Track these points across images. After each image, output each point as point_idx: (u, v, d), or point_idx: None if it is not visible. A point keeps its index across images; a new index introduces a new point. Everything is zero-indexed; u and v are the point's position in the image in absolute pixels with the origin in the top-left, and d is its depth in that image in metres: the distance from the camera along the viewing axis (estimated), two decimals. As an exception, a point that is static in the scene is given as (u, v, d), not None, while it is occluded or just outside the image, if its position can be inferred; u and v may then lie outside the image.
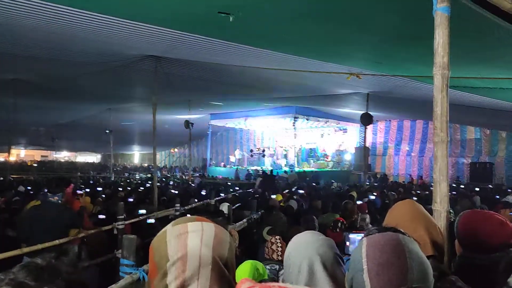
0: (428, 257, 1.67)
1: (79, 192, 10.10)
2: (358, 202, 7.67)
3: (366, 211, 6.93)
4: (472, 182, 19.67)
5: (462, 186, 17.48)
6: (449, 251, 2.13)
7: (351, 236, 1.88)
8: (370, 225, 6.55)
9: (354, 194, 9.36)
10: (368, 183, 17.40)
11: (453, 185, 17.68)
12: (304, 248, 1.47)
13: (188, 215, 1.18)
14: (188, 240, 1.06)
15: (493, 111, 13.23)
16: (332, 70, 8.99)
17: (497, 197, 11.56)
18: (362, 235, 1.68)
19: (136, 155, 54.48)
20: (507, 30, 4.40)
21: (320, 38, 6.80)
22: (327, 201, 8.95)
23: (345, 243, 1.88)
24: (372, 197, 9.76)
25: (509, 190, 14.30)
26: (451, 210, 5.22)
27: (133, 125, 25.73)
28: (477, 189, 15.24)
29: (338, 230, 5.72)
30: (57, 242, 4.68)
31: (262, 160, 26.79)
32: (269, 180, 16.96)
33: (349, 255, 1.88)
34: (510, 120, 15.27)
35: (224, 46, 7.62)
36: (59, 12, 5.98)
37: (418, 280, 1.03)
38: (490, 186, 18.04)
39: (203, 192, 12.32)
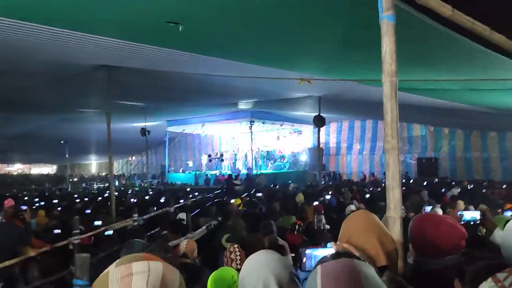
0: (382, 267, 1.70)
1: (23, 207, 9.56)
2: (315, 203, 7.76)
3: (322, 212, 7.02)
4: (420, 177, 20.57)
5: (411, 181, 18.21)
6: (404, 256, 2.17)
7: (308, 251, 1.87)
8: (326, 226, 6.67)
9: (301, 196, 9.45)
10: (323, 182, 17.75)
11: (403, 180, 18.39)
12: (258, 268, 1.44)
13: (135, 254, 1.07)
14: (133, 283, 0.96)
15: (436, 110, 13.88)
16: (284, 76, 9.11)
17: (443, 190, 12.11)
18: (318, 250, 1.66)
19: (93, 164, 52.76)
20: (447, 36, 4.61)
21: (272, 46, 6.86)
22: (285, 203, 9.05)
23: (302, 259, 1.87)
24: (328, 197, 9.92)
25: (453, 183, 15.03)
26: (402, 207, 5.40)
27: (89, 134, 24.89)
28: (424, 183, 15.90)
29: (296, 232, 5.80)
30: (7, 263, 4.41)
31: (220, 165, 26.75)
32: (229, 184, 16.95)
33: (306, 271, 1.86)
34: (451, 117, 16.11)
35: (176, 55, 7.57)
36: (9, 25, 5.72)
37: None
38: (436, 180, 18.88)
39: (162, 200, 12.06)
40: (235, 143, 30.18)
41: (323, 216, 6.82)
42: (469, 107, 12.60)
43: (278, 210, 8.08)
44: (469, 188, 13.30)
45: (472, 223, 3.47)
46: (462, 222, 3.52)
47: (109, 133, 10.24)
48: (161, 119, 21.78)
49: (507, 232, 2.47)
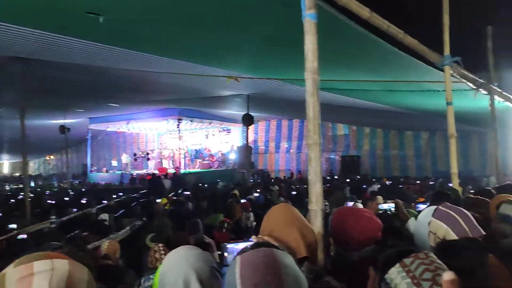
0: (302, 258, 1.74)
1: None
2: (242, 201, 7.81)
3: (250, 209, 7.09)
4: (343, 174, 21.55)
5: (335, 178, 19.01)
6: (325, 248, 2.23)
7: (229, 246, 1.86)
8: (254, 223, 6.74)
9: (237, 192, 9.52)
10: (252, 180, 17.95)
11: (328, 178, 19.16)
12: (178, 264, 1.41)
13: (38, 253, 0.96)
14: (33, 284, 0.87)
15: (358, 110, 14.61)
16: (212, 74, 9.06)
17: (364, 186, 12.76)
18: (240, 245, 1.65)
19: (6, 164, 48.81)
20: (366, 37, 4.84)
21: (200, 43, 6.80)
22: (213, 201, 9.02)
23: (223, 254, 1.86)
24: (256, 194, 10.05)
25: (373, 180, 15.93)
26: (326, 203, 5.60)
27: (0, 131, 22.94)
28: (347, 180, 16.67)
29: (223, 230, 5.83)
30: None
31: (146, 164, 26.01)
32: (156, 183, 16.53)
33: (228, 266, 1.85)
34: (372, 117, 17.05)
35: (97, 49, 7.18)
36: None
37: None
38: (358, 176, 19.88)
39: (84, 201, 11.46)
40: (162, 141, 29.54)
41: (251, 214, 6.90)
42: (387, 108, 13.39)
43: (206, 209, 8.06)
44: (387, 184, 14.14)
45: (388, 212, 3.71)
46: (380, 211, 3.73)
47: (23, 130, 9.60)
48: (83, 116, 20.70)
49: (419, 222, 2.66)
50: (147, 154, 26.75)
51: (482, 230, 2.21)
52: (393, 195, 8.00)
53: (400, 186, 12.79)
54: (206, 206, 8.46)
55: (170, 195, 11.25)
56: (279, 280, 1.01)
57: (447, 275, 0.56)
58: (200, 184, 17.47)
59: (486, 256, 2.11)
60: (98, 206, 9.65)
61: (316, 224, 2.28)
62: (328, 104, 12.80)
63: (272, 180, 19.62)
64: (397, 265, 1.21)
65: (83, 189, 19.14)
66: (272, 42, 6.09)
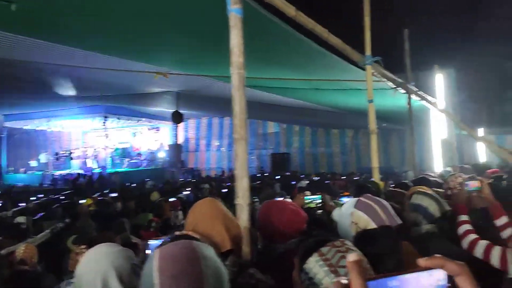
0: (227, 252, 1.75)
1: None
2: (171, 199, 7.67)
3: (179, 208, 7.00)
4: (273, 171, 21.96)
5: (266, 175, 19.29)
6: (252, 241, 2.25)
7: (151, 242, 1.82)
8: (183, 221, 6.65)
9: (156, 194, 9.31)
10: (182, 179, 17.72)
11: (258, 175, 19.41)
12: (97, 262, 1.35)
13: None
14: None
15: (288, 108, 14.94)
16: (140, 70, 8.77)
17: (293, 182, 13.07)
18: (162, 241, 1.61)
19: None
20: (292, 35, 4.94)
21: (126, 36, 6.50)
22: (141, 201, 8.76)
23: (145, 251, 1.81)
24: (186, 193, 9.91)
25: (302, 176, 16.39)
26: (256, 199, 5.66)
27: None
28: (277, 177, 16.98)
29: (152, 229, 5.73)
30: None
31: (70, 163, 24.68)
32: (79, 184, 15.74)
33: None
34: (301, 115, 17.53)
35: (10, 40, 6.61)
36: None
37: (214, 287, 1.02)
38: (288, 173, 20.34)
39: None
40: (87, 140, 28.15)
41: (180, 212, 6.81)
42: (315, 106, 13.83)
43: (133, 209, 7.83)
44: (315, 180, 14.59)
45: (314, 204, 3.85)
46: (306, 203, 3.85)
47: None
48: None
49: (342, 213, 2.77)
50: (70, 153, 25.31)
51: (399, 219, 2.36)
52: (320, 190, 8.32)
53: (327, 181, 13.27)
54: (134, 206, 8.20)
55: (95, 196, 10.77)
56: (199, 271, 1.01)
57: (351, 256, 0.57)
58: (128, 184, 16.91)
59: (399, 242, 2.25)
60: (15, 209, 9.00)
61: (243, 218, 2.29)
62: (259, 102, 12.96)
63: (203, 178, 19.50)
64: (315, 254, 1.24)
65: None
66: (201, 37, 6.01)
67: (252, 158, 24.82)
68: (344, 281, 0.59)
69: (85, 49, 7.30)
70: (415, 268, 0.63)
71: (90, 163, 24.28)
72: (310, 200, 3.94)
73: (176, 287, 0.98)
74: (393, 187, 4.90)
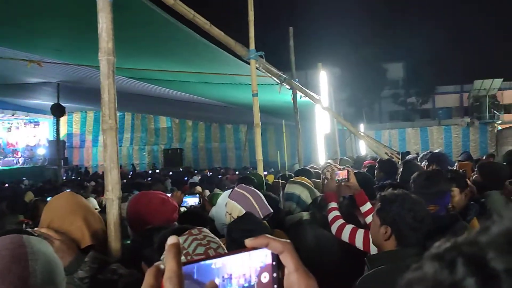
0: (88, 247, 1.64)
1: None
2: (49, 199, 7.05)
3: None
4: (166, 167, 21.55)
5: (157, 171, 18.86)
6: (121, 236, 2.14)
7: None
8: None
9: (30, 195, 8.58)
10: (64, 178, 16.55)
11: (150, 171, 18.90)
12: None
13: None
14: None
15: (179, 102, 14.70)
16: (10, 56, 7.89)
17: (186, 178, 12.98)
18: None
19: None
20: (174, 25, 4.81)
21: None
22: (14, 201, 7.98)
23: None
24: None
25: (195, 171, 16.36)
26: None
27: None
28: (170, 173, 16.73)
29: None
30: None
31: None
32: None
33: None
34: (194, 110, 17.42)
35: None
36: None
37: (44, 283, 0.97)
38: (181, 169, 20.15)
39: None
40: None
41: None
42: (207, 101, 13.80)
43: (3, 210, 7.07)
44: (208, 175, 14.65)
45: (192, 207, 3.84)
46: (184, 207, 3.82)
47: None
48: None
49: (218, 204, 2.78)
50: None
51: (270, 208, 2.43)
52: (212, 185, 8.34)
53: (220, 176, 13.39)
54: (6, 206, 7.41)
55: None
56: (24, 267, 0.96)
57: (170, 239, 0.55)
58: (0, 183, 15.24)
59: (272, 230, 2.32)
60: None
61: (112, 212, 2.17)
62: (149, 96, 12.53)
63: (89, 176, 18.39)
64: None
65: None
66: (72, 22, 5.53)
67: (143, 154, 24.02)
68: (162, 266, 0.55)
69: None
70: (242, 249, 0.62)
71: None
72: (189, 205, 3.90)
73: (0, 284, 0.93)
74: (277, 179, 5.08)
